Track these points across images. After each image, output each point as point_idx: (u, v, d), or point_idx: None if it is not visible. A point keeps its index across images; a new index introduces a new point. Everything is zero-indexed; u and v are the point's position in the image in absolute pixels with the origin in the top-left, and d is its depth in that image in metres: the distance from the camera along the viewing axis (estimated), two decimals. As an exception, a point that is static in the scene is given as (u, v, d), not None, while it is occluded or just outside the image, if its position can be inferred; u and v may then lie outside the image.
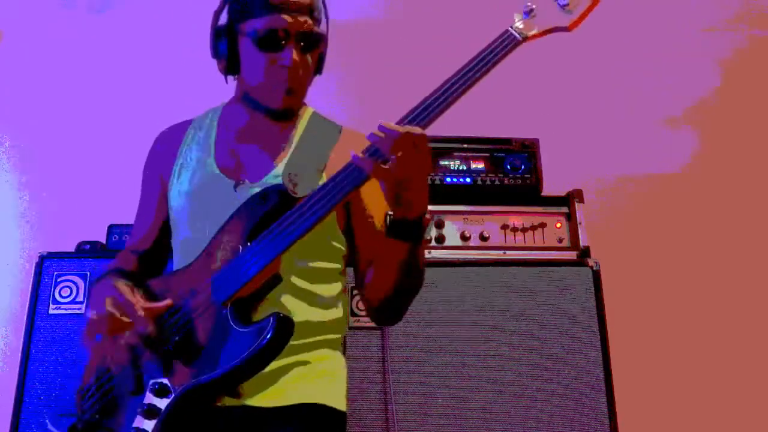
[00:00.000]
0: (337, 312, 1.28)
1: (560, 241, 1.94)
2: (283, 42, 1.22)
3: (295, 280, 1.20)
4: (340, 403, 1.24)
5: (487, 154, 2.02)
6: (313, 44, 1.26)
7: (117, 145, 2.56)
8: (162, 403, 1.10)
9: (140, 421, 1.11)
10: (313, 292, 1.23)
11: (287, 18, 1.21)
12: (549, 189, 2.02)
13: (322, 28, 1.30)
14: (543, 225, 1.95)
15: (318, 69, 1.34)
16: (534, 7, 1.05)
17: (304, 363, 1.19)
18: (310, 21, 1.23)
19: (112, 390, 1.19)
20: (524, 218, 1.95)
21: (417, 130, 1.03)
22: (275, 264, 1.10)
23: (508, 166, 2.01)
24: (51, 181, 2.54)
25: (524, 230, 1.94)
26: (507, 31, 1.08)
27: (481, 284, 1.82)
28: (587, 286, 1.83)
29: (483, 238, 1.92)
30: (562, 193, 1.99)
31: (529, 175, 2.00)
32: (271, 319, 1.05)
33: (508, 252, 1.91)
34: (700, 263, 2.54)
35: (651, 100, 2.74)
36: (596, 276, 1.84)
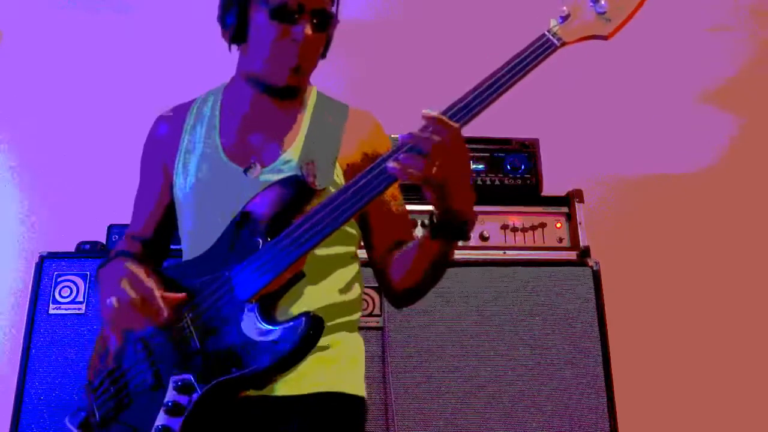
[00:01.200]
0: (353, 293, 1.26)
1: (560, 241, 1.94)
2: (297, 16, 1.18)
3: (311, 266, 1.15)
4: (358, 389, 1.22)
5: (487, 154, 2.02)
6: (326, 23, 1.22)
7: (117, 146, 2.55)
8: (187, 401, 1.07)
9: (164, 419, 1.08)
10: (330, 277, 1.21)
11: None
12: (549, 189, 2.02)
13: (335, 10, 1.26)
14: (543, 225, 1.95)
15: (324, 52, 1.30)
16: (569, 12, 1.03)
17: (323, 348, 1.16)
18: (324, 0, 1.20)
19: (127, 384, 1.16)
20: (524, 218, 1.95)
21: (452, 125, 1.00)
22: (301, 261, 1.08)
23: (508, 166, 2.01)
24: (51, 181, 2.54)
25: (524, 230, 1.94)
26: (544, 35, 1.06)
27: (481, 284, 1.82)
28: (587, 286, 1.83)
29: (483, 238, 1.92)
30: (562, 193, 1.99)
31: (529, 175, 2.01)
32: (303, 319, 1.03)
33: (508, 252, 1.91)
34: (700, 263, 2.54)
35: (651, 100, 2.74)
36: (596, 276, 1.84)
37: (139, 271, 1.10)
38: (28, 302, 1.79)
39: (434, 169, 0.98)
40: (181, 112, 1.35)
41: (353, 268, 1.28)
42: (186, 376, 1.08)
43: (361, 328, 1.72)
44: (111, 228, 1.99)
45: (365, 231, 1.30)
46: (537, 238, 1.94)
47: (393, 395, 1.69)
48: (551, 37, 1.05)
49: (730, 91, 2.77)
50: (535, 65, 1.05)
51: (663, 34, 2.82)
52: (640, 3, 1.04)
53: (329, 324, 1.17)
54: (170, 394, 1.08)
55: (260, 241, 1.09)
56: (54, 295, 1.79)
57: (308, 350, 1.04)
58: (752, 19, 2.80)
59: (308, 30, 1.18)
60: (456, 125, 1.01)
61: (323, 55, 1.30)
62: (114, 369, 1.18)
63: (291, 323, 1.04)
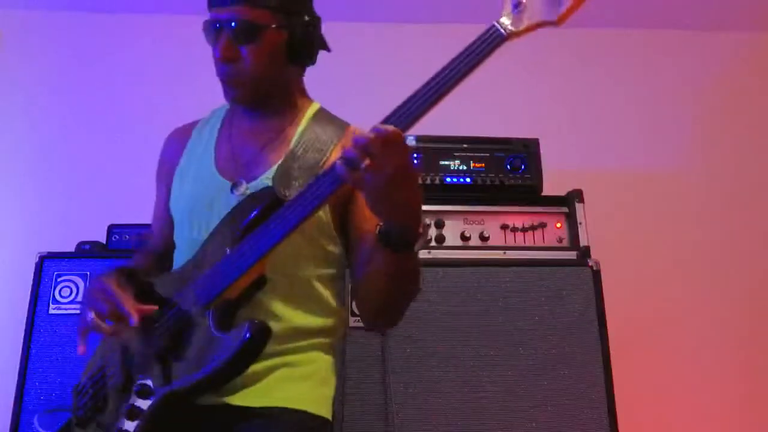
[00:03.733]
0: (332, 317, 1.25)
1: (560, 241, 1.94)
2: (216, 36, 1.18)
3: (287, 285, 1.17)
4: (324, 410, 1.20)
5: (487, 154, 2.02)
6: (249, 35, 1.17)
7: (117, 146, 2.56)
8: (144, 404, 1.09)
9: (123, 422, 1.10)
10: (305, 298, 1.21)
11: (218, 11, 1.18)
12: (549, 189, 2.02)
13: (277, 16, 1.19)
14: (543, 225, 1.95)
15: (295, 58, 1.24)
16: (522, 1, 0.99)
17: (290, 365, 1.17)
18: (246, 9, 1.16)
19: (105, 387, 1.19)
20: (524, 218, 1.95)
21: (389, 128, 0.96)
22: (259, 267, 1.08)
23: (508, 166, 2.01)
24: (51, 181, 2.54)
25: (524, 230, 1.94)
26: (493, 26, 1.01)
27: (481, 284, 1.81)
28: (587, 286, 1.83)
29: (483, 238, 1.92)
30: (562, 193, 1.99)
31: (529, 175, 2.00)
32: (247, 325, 1.04)
33: (508, 252, 1.91)
34: (700, 263, 2.55)
35: (651, 100, 2.74)
36: (596, 276, 1.84)
37: (111, 283, 1.14)
38: (28, 302, 1.80)
39: (371, 170, 0.96)
40: (185, 131, 1.38)
41: (332, 291, 1.27)
42: (146, 380, 1.11)
43: (361, 328, 1.72)
44: (111, 228, 1.99)
45: (347, 250, 1.28)
46: (537, 238, 1.94)
47: (393, 395, 1.69)
48: (499, 27, 1.00)
49: (731, 91, 2.77)
50: (483, 59, 1.00)
51: (663, 34, 2.83)
52: None
53: (303, 343, 1.19)
54: (132, 398, 1.11)
55: (227, 250, 1.11)
56: (54, 295, 1.79)
57: (252, 355, 1.04)
58: (740, 21, 2.80)
59: (221, 45, 1.17)
60: (391, 129, 0.96)
61: (293, 60, 1.25)
62: (96, 371, 1.22)
63: (236, 330, 1.04)
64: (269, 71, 1.23)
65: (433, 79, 1.01)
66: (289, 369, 1.17)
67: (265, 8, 1.18)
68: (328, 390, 1.24)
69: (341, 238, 1.26)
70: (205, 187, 1.25)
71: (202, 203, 1.24)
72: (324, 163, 1.21)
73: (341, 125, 1.30)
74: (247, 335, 1.02)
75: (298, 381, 1.18)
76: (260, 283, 1.10)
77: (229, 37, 1.17)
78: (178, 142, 1.37)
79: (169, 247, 1.35)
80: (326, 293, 1.25)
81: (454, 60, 1.01)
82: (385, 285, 1.12)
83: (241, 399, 1.13)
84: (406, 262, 1.08)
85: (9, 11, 2.70)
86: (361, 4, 2.66)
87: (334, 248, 1.26)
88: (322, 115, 1.32)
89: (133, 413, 1.10)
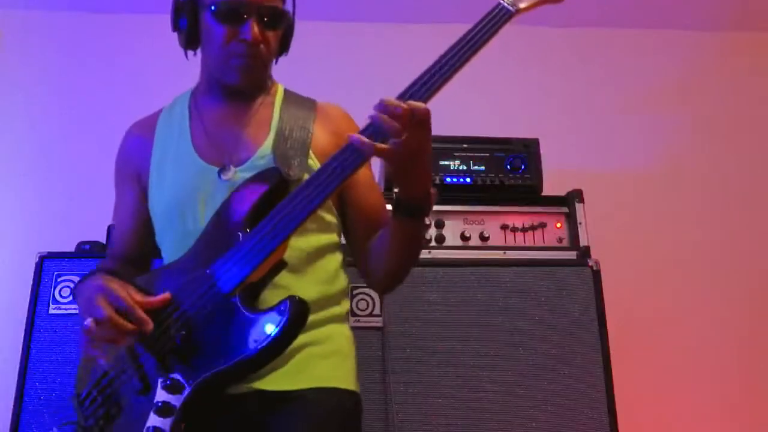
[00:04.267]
0: (339, 284, 1.26)
1: (560, 241, 1.94)
2: (245, 16, 1.19)
3: (293, 258, 1.16)
4: (354, 384, 1.22)
5: (487, 154, 2.02)
6: (276, 21, 1.23)
7: (117, 146, 2.55)
8: (176, 399, 1.06)
9: (155, 420, 1.07)
10: (312, 268, 1.21)
11: None
12: (549, 189, 2.02)
13: (288, 6, 1.27)
14: (543, 225, 1.95)
15: (284, 48, 1.32)
16: None
17: (314, 343, 1.17)
18: None
19: (115, 392, 1.15)
20: (524, 218, 1.95)
21: (420, 105, 0.99)
22: (282, 249, 1.08)
23: (508, 166, 2.01)
24: (51, 181, 2.54)
25: (524, 230, 1.94)
26: (499, 4, 1.06)
27: (481, 284, 1.81)
28: (587, 286, 1.83)
29: (483, 238, 1.92)
30: (562, 193, 1.99)
31: (529, 175, 2.00)
32: (287, 302, 1.03)
33: (508, 252, 1.91)
34: (700, 263, 2.55)
35: (651, 100, 2.74)
36: (596, 276, 1.84)
37: (113, 284, 1.10)
38: (28, 302, 1.79)
39: (401, 144, 0.99)
40: (149, 123, 1.35)
41: (337, 257, 1.28)
42: (174, 375, 1.08)
43: (361, 328, 1.73)
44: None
45: (343, 219, 1.31)
46: (537, 238, 1.94)
47: (393, 395, 1.69)
48: (505, 4, 1.06)
49: (731, 91, 2.78)
50: (492, 35, 1.06)
51: (663, 34, 2.83)
52: None
53: (317, 317, 1.18)
54: (159, 395, 1.08)
55: (240, 234, 1.09)
56: (54, 295, 1.79)
57: (296, 333, 1.04)
58: (741, 21, 2.80)
59: (256, 30, 1.19)
60: (423, 106, 1.00)
61: (284, 51, 1.32)
62: (100, 378, 1.17)
63: (275, 309, 1.04)
64: (273, 58, 1.29)
65: (443, 56, 1.05)
66: (314, 347, 1.17)
67: None
68: (352, 362, 1.26)
69: (337, 208, 1.29)
70: (190, 176, 1.23)
71: (189, 192, 1.21)
72: (311, 139, 1.24)
73: (311, 103, 1.34)
74: (293, 310, 1.02)
75: (325, 358, 1.18)
76: (280, 266, 1.10)
77: (260, 20, 1.20)
78: (141, 137, 1.33)
79: (142, 250, 1.32)
80: (332, 261, 1.26)
81: (464, 37, 1.05)
82: (399, 249, 1.18)
83: (272, 383, 1.12)
84: (419, 227, 1.16)
85: (9, 11, 2.70)
86: (362, 4, 2.66)
87: (331, 218, 1.28)
88: (290, 95, 1.35)
89: (166, 409, 1.06)
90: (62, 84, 2.66)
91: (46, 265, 1.82)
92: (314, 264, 1.22)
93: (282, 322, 1.02)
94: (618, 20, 2.75)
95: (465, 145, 2.03)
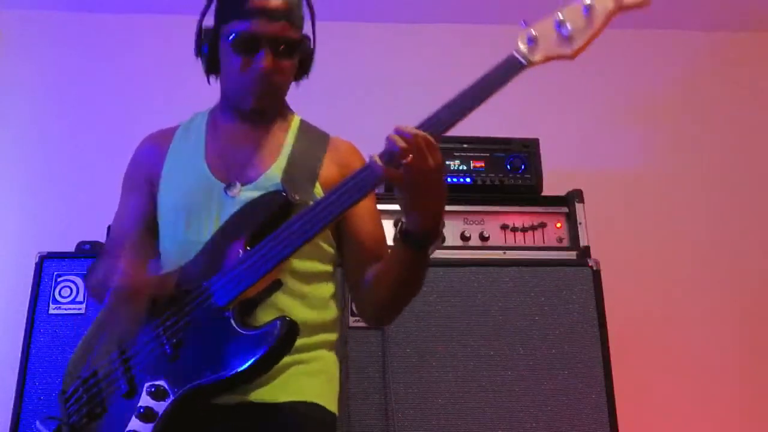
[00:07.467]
0: (331, 312, 1.29)
1: (560, 241, 1.94)
2: (259, 46, 1.23)
3: (289, 281, 1.19)
4: (333, 405, 1.24)
5: (487, 154, 2.03)
6: (291, 51, 1.27)
7: (118, 146, 2.55)
8: (159, 406, 1.08)
9: (136, 424, 1.09)
10: (307, 293, 1.23)
11: (263, 23, 1.22)
12: (549, 189, 2.02)
13: (306, 31, 1.31)
14: (543, 225, 1.95)
15: (304, 71, 1.36)
16: (536, 35, 1.07)
17: (301, 362, 1.19)
18: (287, 26, 1.24)
19: (100, 392, 1.17)
20: (524, 218, 1.95)
21: (424, 133, 1.03)
22: (280, 268, 1.10)
23: (508, 166, 2.01)
24: (51, 181, 2.54)
25: (524, 230, 1.94)
26: (512, 55, 1.09)
27: (481, 284, 1.82)
28: (587, 286, 1.83)
29: (483, 238, 1.92)
30: (562, 193, 1.99)
31: (529, 175, 2.01)
32: (278, 323, 1.05)
33: (508, 252, 1.91)
34: (700, 263, 2.55)
35: (651, 100, 2.74)
36: (596, 276, 1.84)
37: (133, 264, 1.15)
38: (28, 302, 1.79)
39: (407, 166, 1.02)
40: (165, 134, 1.39)
41: (330, 287, 1.31)
42: (159, 381, 1.10)
43: (360, 328, 1.73)
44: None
45: (341, 249, 1.33)
46: (537, 238, 1.94)
47: (393, 395, 1.69)
48: (519, 57, 1.08)
49: (731, 91, 2.77)
50: (503, 84, 1.08)
51: (662, 34, 2.83)
52: (602, 26, 1.11)
53: (309, 341, 1.20)
54: (143, 400, 1.10)
55: (240, 251, 1.12)
56: (54, 295, 1.79)
57: (283, 353, 1.06)
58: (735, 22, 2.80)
59: (268, 60, 1.23)
60: (430, 137, 1.04)
61: (304, 75, 1.37)
62: (88, 377, 1.20)
63: (266, 327, 1.06)
64: (288, 85, 1.33)
65: (453, 102, 1.07)
66: (301, 366, 1.19)
67: (298, 27, 1.28)
68: (336, 386, 1.28)
69: (334, 238, 1.32)
70: (198, 186, 1.26)
71: (197, 202, 1.24)
72: (320, 171, 1.27)
73: (324, 136, 1.37)
74: (282, 331, 1.04)
75: (312, 376, 1.21)
76: (276, 285, 1.12)
77: (274, 50, 1.24)
78: (157, 146, 1.37)
79: (140, 252, 1.30)
80: (325, 289, 1.29)
81: (474, 85, 1.07)
82: (396, 281, 1.18)
83: (259, 395, 1.14)
84: (421, 260, 1.15)
85: (9, 11, 2.70)
86: (362, 4, 2.66)
87: (329, 247, 1.30)
88: (306, 125, 1.39)
89: (148, 415, 1.08)
90: (62, 84, 2.66)
91: (46, 265, 1.82)
92: (309, 289, 1.24)
93: (271, 341, 1.04)
94: (618, 20, 2.74)
95: (465, 145, 2.03)
